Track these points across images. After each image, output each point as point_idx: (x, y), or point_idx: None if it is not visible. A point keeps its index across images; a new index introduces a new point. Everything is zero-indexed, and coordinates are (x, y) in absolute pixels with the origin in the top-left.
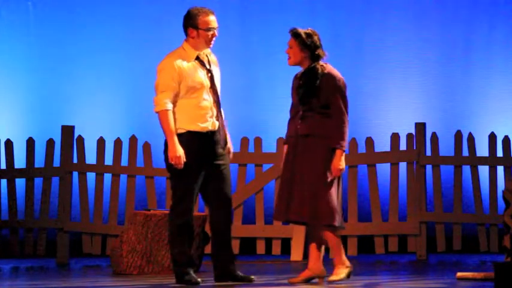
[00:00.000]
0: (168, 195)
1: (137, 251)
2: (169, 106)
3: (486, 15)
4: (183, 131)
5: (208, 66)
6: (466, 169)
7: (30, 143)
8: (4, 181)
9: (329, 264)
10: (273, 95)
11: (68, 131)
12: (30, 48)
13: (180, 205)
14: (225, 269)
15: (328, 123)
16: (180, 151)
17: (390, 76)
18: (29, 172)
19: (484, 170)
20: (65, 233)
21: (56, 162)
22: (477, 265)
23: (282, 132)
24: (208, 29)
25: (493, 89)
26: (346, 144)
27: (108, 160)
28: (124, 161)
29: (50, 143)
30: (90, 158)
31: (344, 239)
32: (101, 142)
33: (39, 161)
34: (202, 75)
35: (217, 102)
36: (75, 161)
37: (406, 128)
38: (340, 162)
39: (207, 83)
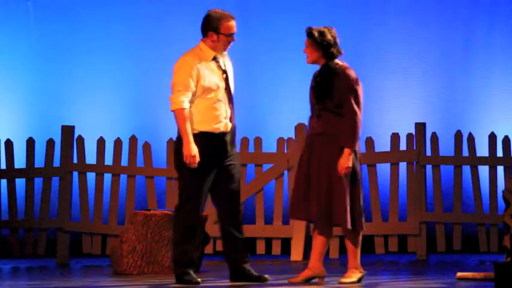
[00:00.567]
0: (168, 195)
1: (137, 251)
2: (186, 105)
3: (486, 15)
4: (195, 131)
5: (223, 67)
6: (466, 169)
7: (30, 143)
8: (4, 181)
9: (329, 264)
10: (273, 95)
11: (68, 131)
12: (30, 48)
13: (188, 205)
14: (239, 268)
15: (341, 122)
16: (194, 150)
17: (390, 76)
18: (29, 172)
19: (484, 170)
20: (65, 233)
21: (56, 162)
22: (477, 265)
23: (282, 132)
24: (229, 35)
25: (493, 89)
26: (356, 144)
27: (108, 160)
28: (124, 161)
29: (50, 143)
30: (90, 158)
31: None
32: (101, 142)
33: (39, 161)
34: (218, 76)
35: (231, 103)
36: (75, 161)
37: (406, 128)
38: (348, 161)
39: (222, 84)
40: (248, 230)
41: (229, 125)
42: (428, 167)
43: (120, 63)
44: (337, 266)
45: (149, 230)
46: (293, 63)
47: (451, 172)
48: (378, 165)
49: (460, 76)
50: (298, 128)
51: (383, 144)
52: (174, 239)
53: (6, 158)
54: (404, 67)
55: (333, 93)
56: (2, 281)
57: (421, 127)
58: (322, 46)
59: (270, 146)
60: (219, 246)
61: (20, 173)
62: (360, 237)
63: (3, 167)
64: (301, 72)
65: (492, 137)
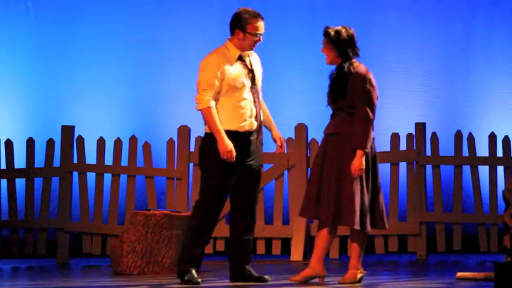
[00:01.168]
0: (168, 195)
1: (137, 251)
2: (212, 103)
3: (486, 15)
4: None
5: (249, 66)
6: (466, 169)
7: (30, 143)
8: (4, 181)
9: (329, 264)
10: (273, 95)
11: (68, 131)
12: (30, 48)
13: (209, 203)
14: (241, 268)
15: (354, 122)
16: (230, 145)
17: (390, 76)
18: (29, 172)
19: (484, 170)
20: (65, 233)
21: (56, 162)
22: (477, 265)
23: (282, 132)
24: (256, 35)
25: (493, 89)
26: (369, 145)
27: (108, 160)
28: (124, 161)
29: (50, 143)
30: (90, 158)
31: (344, 239)
32: (101, 142)
33: (39, 161)
34: (243, 75)
35: (257, 102)
36: (75, 161)
37: (406, 128)
38: (361, 162)
39: (248, 82)
40: None
41: (255, 124)
42: (428, 167)
43: (120, 63)
44: (337, 266)
45: (149, 230)
46: (293, 63)
47: (451, 172)
48: (377, 165)
49: (460, 76)
50: (298, 128)
51: (383, 144)
52: (187, 234)
53: (6, 158)
54: (405, 67)
55: (347, 93)
56: (2, 281)
57: (421, 127)
58: (337, 46)
59: (270, 146)
60: (219, 246)
61: (20, 173)
62: (365, 239)
63: (3, 167)
64: (301, 72)
65: (492, 137)
